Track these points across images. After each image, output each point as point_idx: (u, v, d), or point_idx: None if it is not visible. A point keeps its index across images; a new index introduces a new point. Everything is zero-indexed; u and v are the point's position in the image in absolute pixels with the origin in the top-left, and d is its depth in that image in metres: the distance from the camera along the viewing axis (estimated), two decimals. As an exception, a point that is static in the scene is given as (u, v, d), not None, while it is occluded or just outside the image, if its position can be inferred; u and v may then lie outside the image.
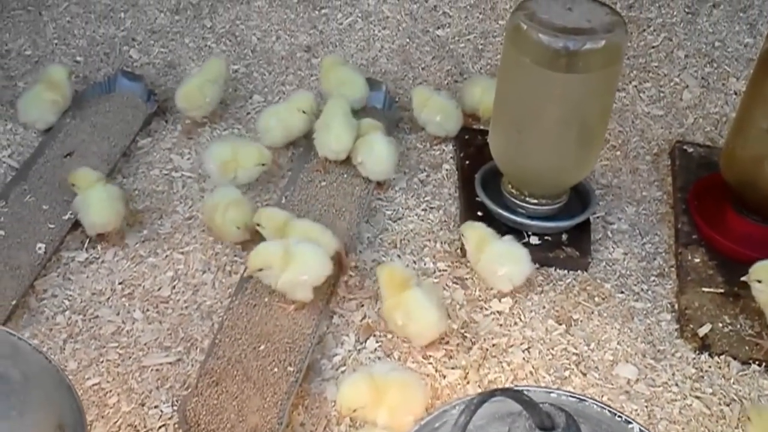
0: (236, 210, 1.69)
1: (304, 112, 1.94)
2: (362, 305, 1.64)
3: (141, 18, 2.43)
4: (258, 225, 1.67)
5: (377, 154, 1.84)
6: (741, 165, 1.73)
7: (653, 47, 2.38)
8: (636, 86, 2.25)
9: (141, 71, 2.23)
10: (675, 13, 2.52)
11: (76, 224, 1.75)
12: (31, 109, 1.98)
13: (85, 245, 1.73)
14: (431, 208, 1.88)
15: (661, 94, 2.24)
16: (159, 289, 1.67)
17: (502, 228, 1.76)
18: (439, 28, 2.48)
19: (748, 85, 1.73)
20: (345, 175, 1.90)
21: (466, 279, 1.69)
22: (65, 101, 2.00)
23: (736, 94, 2.25)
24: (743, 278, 1.56)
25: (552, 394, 0.94)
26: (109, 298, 1.63)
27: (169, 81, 2.23)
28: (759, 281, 1.54)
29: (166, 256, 1.73)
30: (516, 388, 0.83)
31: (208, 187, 1.89)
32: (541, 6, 1.60)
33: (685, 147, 2.02)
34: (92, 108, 2.04)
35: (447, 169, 1.99)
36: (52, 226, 1.72)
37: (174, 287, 1.68)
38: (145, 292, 1.66)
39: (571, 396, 0.94)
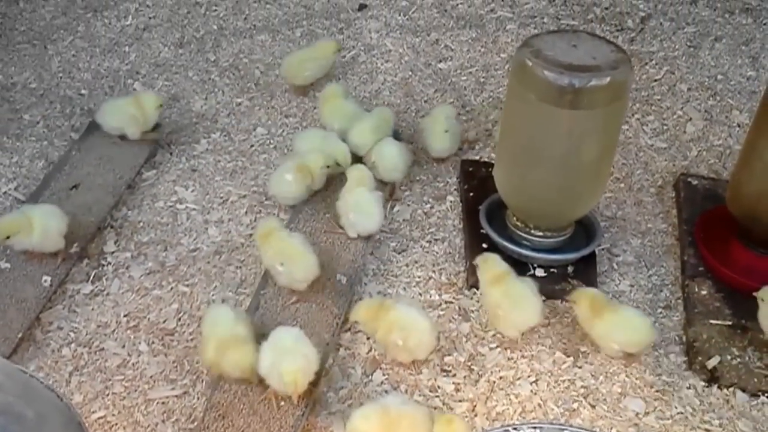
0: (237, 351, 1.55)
1: (328, 167, 1.98)
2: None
3: (145, 52, 2.54)
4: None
5: (388, 155, 1.99)
6: (747, 199, 1.81)
7: (656, 80, 2.49)
8: (639, 119, 2.35)
9: (145, 104, 2.34)
10: (677, 46, 2.65)
11: (81, 256, 1.83)
12: (112, 117, 2.10)
13: (91, 277, 1.80)
14: (436, 240, 1.96)
15: (665, 127, 2.34)
16: (164, 321, 1.74)
17: (508, 260, 1.83)
18: (441, 61, 2.59)
19: (753, 120, 1.83)
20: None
21: (472, 311, 1.75)
22: (145, 124, 2.11)
23: (739, 126, 2.35)
24: (754, 293, 1.64)
25: (565, 431, 0.98)
26: (114, 330, 1.70)
27: (174, 114, 2.33)
28: (762, 299, 1.62)
29: (171, 288, 1.80)
30: (530, 423, 0.88)
31: (212, 218, 1.98)
32: (547, 43, 1.70)
33: (689, 179, 2.11)
34: (97, 140, 2.13)
35: (451, 201, 2.07)
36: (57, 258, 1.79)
37: (179, 319, 1.75)
38: (150, 325, 1.72)
39: (582, 431, 0.99)
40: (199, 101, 2.38)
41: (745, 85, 2.52)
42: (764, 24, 2.82)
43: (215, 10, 2.75)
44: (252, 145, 2.23)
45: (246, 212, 2.01)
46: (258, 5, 2.79)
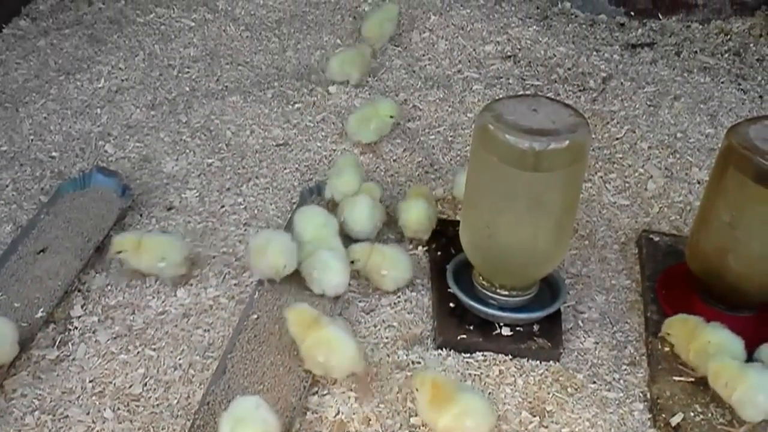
0: None
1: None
2: (336, 400, 1.74)
3: (117, 113, 2.63)
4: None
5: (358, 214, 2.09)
6: (705, 256, 1.91)
7: (617, 139, 2.63)
8: (602, 177, 2.47)
9: (116, 166, 2.40)
10: (637, 105, 2.80)
11: (47, 321, 1.86)
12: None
13: (57, 342, 1.82)
14: (404, 300, 2.02)
15: (627, 185, 2.46)
16: (130, 386, 1.76)
17: (475, 320, 1.90)
18: (409, 120, 2.71)
19: (709, 180, 1.94)
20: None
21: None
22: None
23: (699, 183, 2.48)
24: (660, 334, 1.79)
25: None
26: (79, 396, 1.72)
27: (144, 175, 2.40)
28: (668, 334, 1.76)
29: (138, 352, 1.83)
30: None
31: (182, 280, 2.02)
32: (508, 107, 1.81)
33: (651, 236, 2.22)
34: (67, 204, 2.19)
35: (420, 260, 2.15)
36: (23, 324, 1.82)
37: (145, 384, 1.77)
38: (116, 390, 1.75)
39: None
40: (170, 162, 2.46)
41: (704, 142, 2.66)
42: (722, 82, 3.00)
43: (187, 72, 2.86)
44: (222, 206, 2.30)
45: (215, 274, 2.07)
46: (230, 67, 2.91)
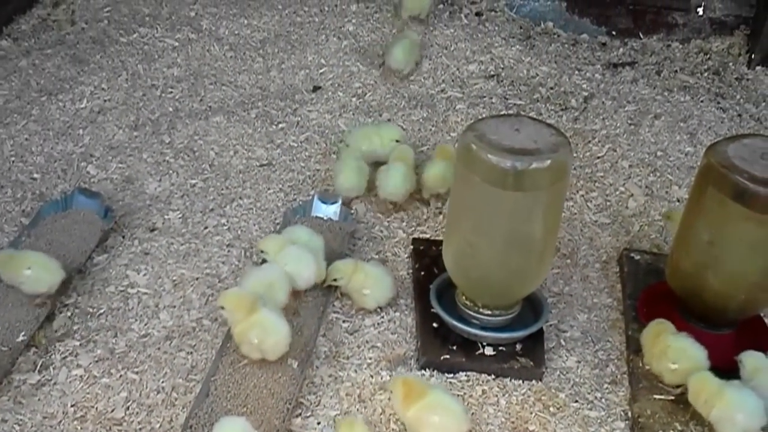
0: None
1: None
2: (319, 423, 1.76)
3: (99, 134, 2.65)
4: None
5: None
6: (685, 275, 1.96)
7: (599, 158, 2.69)
8: (583, 196, 2.53)
9: (98, 187, 2.42)
10: (618, 124, 2.86)
11: (29, 345, 1.87)
12: None
13: (38, 366, 1.83)
14: (387, 320, 2.05)
15: (608, 203, 2.51)
16: (112, 410, 1.77)
17: (458, 339, 1.93)
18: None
19: (689, 199, 1.99)
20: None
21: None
22: None
23: (679, 201, 2.54)
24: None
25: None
26: (60, 421, 1.73)
27: (127, 196, 2.42)
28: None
29: (120, 376, 1.84)
30: None
31: (164, 303, 2.04)
32: (490, 127, 1.85)
33: (632, 254, 2.27)
34: (48, 226, 2.20)
35: (403, 280, 2.18)
36: (4, 348, 1.83)
37: (128, 408, 1.79)
38: (98, 414, 1.76)
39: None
40: (153, 183, 2.48)
41: (684, 160, 2.73)
42: (701, 101, 3.08)
43: (171, 92, 2.89)
44: (206, 227, 2.32)
45: (198, 296, 2.09)
46: (214, 87, 2.94)
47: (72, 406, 1.77)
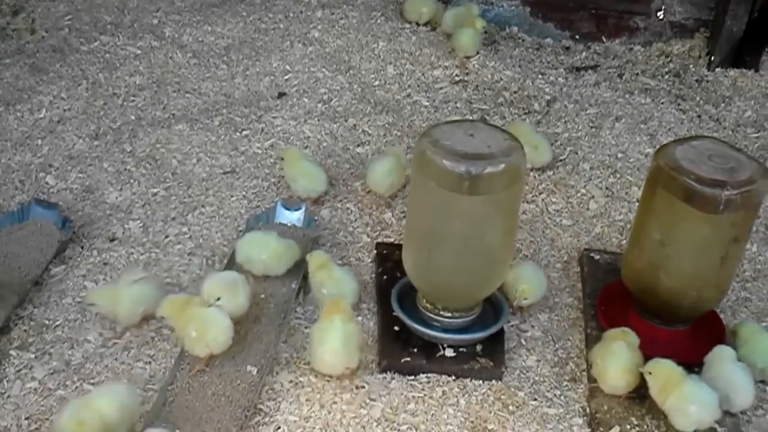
0: None
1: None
2: (279, 428, 1.77)
3: (59, 144, 2.64)
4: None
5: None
6: (639, 273, 2.00)
7: (560, 160, 2.74)
8: (544, 198, 2.57)
9: (58, 197, 2.41)
10: (580, 127, 2.92)
11: (-18, 359, 1.85)
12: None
13: (-9, 381, 1.82)
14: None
15: (569, 205, 2.56)
16: (68, 423, 1.76)
17: (419, 342, 1.95)
18: (359, 145, 2.78)
19: (640, 199, 2.04)
20: (263, 296, 2.08)
21: (382, 395, 1.85)
22: None
23: (638, 201, 2.58)
24: (640, 369, 1.81)
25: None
26: (14, 435, 1.71)
27: (87, 206, 2.41)
28: (650, 373, 1.79)
29: (76, 387, 1.83)
30: None
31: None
32: (445, 133, 1.88)
33: (592, 254, 2.31)
34: (4, 238, 2.18)
35: (366, 284, 2.20)
36: (-44, 362, 1.81)
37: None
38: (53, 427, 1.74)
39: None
40: (114, 193, 2.47)
41: (644, 162, 2.78)
42: (662, 103, 3.15)
43: (133, 101, 2.89)
44: (167, 236, 2.32)
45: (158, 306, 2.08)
46: (177, 95, 2.95)
47: (26, 419, 1.75)
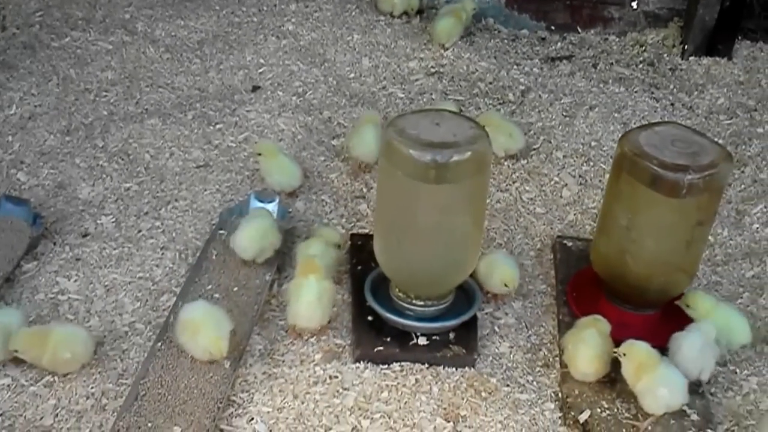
0: None
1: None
2: (252, 419, 1.78)
3: (30, 140, 2.62)
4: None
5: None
6: (607, 259, 2.03)
7: (534, 149, 2.76)
8: (518, 187, 2.59)
9: (29, 194, 2.40)
10: (554, 116, 2.95)
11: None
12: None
13: (-38, 377, 1.82)
14: (324, 315, 2.08)
15: (543, 193, 2.59)
16: (41, 418, 1.77)
17: (392, 331, 1.97)
18: (334, 138, 2.79)
19: (607, 186, 2.07)
20: (236, 288, 2.09)
21: (355, 384, 1.86)
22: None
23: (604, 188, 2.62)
24: (614, 351, 1.83)
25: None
26: (-15, 432, 1.71)
27: (59, 202, 2.40)
28: (624, 354, 1.82)
29: (49, 383, 1.83)
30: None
31: (96, 308, 2.04)
32: (411, 122, 1.90)
33: (565, 241, 2.34)
34: (-26, 235, 2.17)
35: (341, 275, 2.21)
36: (-75, 359, 1.80)
37: (56, 415, 1.78)
38: (26, 423, 1.75)
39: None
40: (86, 188, 2.47)
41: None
42: (635, 92, 3.18)
43: (105, 96, 2.88)
44: (139, 231, 2.32)
45: (131, 300, 2.09)
46: (150, 89, 2.94)
47: (0, 415, 1.75)
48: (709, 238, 2.47)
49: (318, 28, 3.33)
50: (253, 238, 2.13)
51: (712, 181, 1.82)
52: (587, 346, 1.87)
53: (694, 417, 1.85)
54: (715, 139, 2.69)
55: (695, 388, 1.89)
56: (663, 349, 1.93)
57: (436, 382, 1.89)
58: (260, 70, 3.08)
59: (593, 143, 2.83)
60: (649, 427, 1.81)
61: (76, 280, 2.13)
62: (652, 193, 1.83)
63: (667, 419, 1.82)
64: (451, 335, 1.99)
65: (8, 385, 1.83)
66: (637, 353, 1.82)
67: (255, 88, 3.00)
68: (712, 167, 1.81)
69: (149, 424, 1.70)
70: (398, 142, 1.83)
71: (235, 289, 2.08)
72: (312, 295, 1.93)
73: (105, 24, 3.24)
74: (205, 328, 1.82)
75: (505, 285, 2.09)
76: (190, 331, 1.83)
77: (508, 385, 1.91)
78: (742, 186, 2.72)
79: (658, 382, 1.78)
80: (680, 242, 1.88)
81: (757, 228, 2.53)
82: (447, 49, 3.26)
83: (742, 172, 2.77)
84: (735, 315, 2.00)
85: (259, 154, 2.47)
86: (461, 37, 3.31)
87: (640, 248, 1.91)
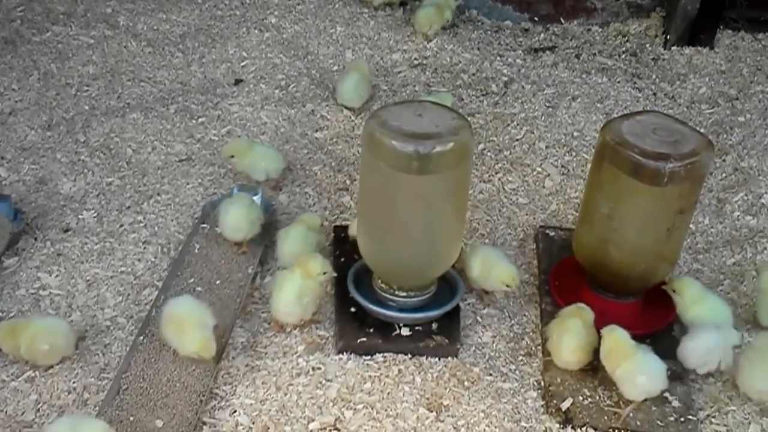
0: None
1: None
2: (235, 411, 1.77)
3: (10, 136, 2.59)
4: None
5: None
6: (589, 247, 2.03)
7: (517, 140, 2.76)
8: (501, 178, 2.59)
9: (10, 189, 2.38)
10: (537, 107, 2.94)
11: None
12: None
13: (-59, 374, 1.80)
14: (307, 307, 2.07)
15: (525, 183, 2.58)
16: (22, 413, 1.75)
17: (375, 322, 1.97)
18: (317, 131, 2.77)
19: (589, 175, 2.07)
20: (218, 282, 2.07)
21: (338, 375, 1.86)
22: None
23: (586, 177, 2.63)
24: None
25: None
26: (-35, 428, 1.70)
27: (40, 197, 2.38)
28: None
29: (30, 378, 1.82)
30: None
31: (77, 303, 2.02)
32: (393, 113, 1.88)
33: (547, 231, 2.34)
34: (-47, 231, 2.15)
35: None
36: None
37: (38, 410, 1.77)
38: (7, 418, 1.74)
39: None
40: (67, 183, 2.44)
41: (600, 139, 2.82)
42: (618, 82, 3.18)
43: (86, 90, 2.85)
44: (121, 225, 2.30)
45: (113, 294, 2.07)
46: (132, 84, 2.91)
47: (-20, 411, 1.74)
48: (691, 226, 2.49)
49: (301, 21, 3.31)
50: (241, 217, 2.14)
51: (694, 169, 1.82)
52: (571, 336, 1.87)
53: (675, 403, 1.86)
54: (697, 128, 2.72)
55: (677, 374, 1.90)
56: (646, 336, 1.95)
57: (419, 372, 1.89)
58: (243, 64, 3.06)
59: (576, 133, 2.83)
60: (631, 414, 1.81)
61: (57, 276, 2.11)
62: (633, 182, 1.83)
63: (648, 406, 1.82)
64: (434, 325, 1.99)
65: (-11, 381, 1.81)
66: (615, 342, 1.83)
67: (237, 82, 2.98)
68: (693, 155, 1.81)
69: (131, 418, 1.69)
70: (380, 134, 1.82)
71: (218, 282, 2.07)
72: (293, 292, 1.91)
73: (86, 18, 3.20)
74: (191, 329, 1.80)
75: (507, 285, 2.03)
76: (174, 327, 1.82)
77: (490, 375, 1.91)
78: (724, 174, 2.73)
79: (637, 370, 1.79)
80: (661, 230, 1.88)
81: (738, 216, 2.54)
82: (430, 39, 3.25)
83: (723, 160, 2.78)
84: (719, 305, 2.01)
85: (232, 156, 2.40)
86: (444, 28, 3.29)
87: (621, 237, 1.91)
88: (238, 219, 2.14)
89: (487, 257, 2.08)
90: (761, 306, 2.09)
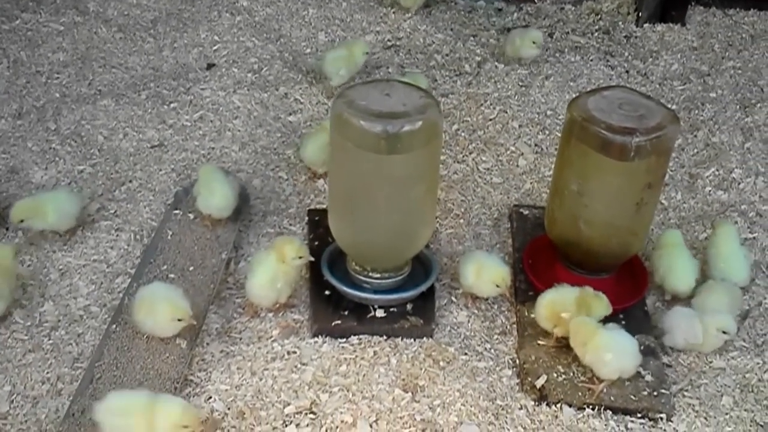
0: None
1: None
2: (210, 397, 1.74)
3: (-21, 126, 2.52)
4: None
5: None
6: (560, 225, 2.01)
7: (490, 120, 2.73)
8: (474, 158, 2.56)
9: (-21, 180, 2.31)
10: (510, 87, 2.90)
11: None
12: None
13: None
14: (282, 291, 2.03)
15: (499, 162, 2.56)
16: (-5, 405, 1.71)
17: (350, 304, 1.94)
18: (290, 114, 2.72)
19: (558, 152, 2.04)
20: (192, 268, 2.03)
21: (314, 359, 1.83)
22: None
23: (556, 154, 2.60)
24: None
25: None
26: (-65, 422, 1.65)
27: (12, 187, 2.31)
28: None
29: (3, 368, 1.77)
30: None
31: (50, 293, 1.97)
32: (360, 93, 1.84)
33: (521, 210, 2.32)
34: None
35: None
36: None
37: (12, 402, 1.73)
38: (-21, 411, 1.69)
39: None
40: (39, 172, 2.38)
41: (573, 118, 2.79)
42: (591, 60, 3.15)
43: (57, 78, 2.77)
44: (90, 215, 2.24)
45: (86, 283, 2.02)
46: (103, 70, 2.83)
47: (-45, 403, 1.70)
48: (663, 201, 2.48)
49: (273, 3, 3.24)
50: (225, 195, 2.13)
51: (660, 143, 1.80)
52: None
53: (649, 378, 1.85)
54: (669, 105, 2.69)
55: (650, 349, 1.89)
56: (619, 312, 1.94)
57: (395, 354, 1.86)
58: (215, 48, 2.99)
59: (549, 112, 2.80)
60: (605, 390, 1.80)
61: (29, 265, 2.05)
62: (601, 157, 1.80)
63: (622, 381, 1.81)
64: (409, 306, 1.97)
65: (-40, 374, 1.77)
66: (579, 328, 1.80)
67: (210, 66, 2.91)
68: (659, 129, 1.79)
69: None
70: (348, 114, 1.78)
71: (191, 268, 2.02)
72: (267, 276, 1.88)
73: (56, 5, 3.11)
74: (163, 306, 1.77)
75: (497, 285, 1.97)
76: (147, 309, 1.78)
77: (465, 354, 1.89)
78: (695, 150, 2.71)
79: (602, 350, 1.76)
80: (630, 205, 1.86)
81: (710, 191, 2.53)
82: (412, 14, 3.20)
83: (695, 136, 2.77)
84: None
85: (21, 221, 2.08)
86: (426, 6, 3.25)
87: (592, 213, 1.89)
88: (224, 198, 2.13)
89: (480, 263, 1.99)
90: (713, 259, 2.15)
